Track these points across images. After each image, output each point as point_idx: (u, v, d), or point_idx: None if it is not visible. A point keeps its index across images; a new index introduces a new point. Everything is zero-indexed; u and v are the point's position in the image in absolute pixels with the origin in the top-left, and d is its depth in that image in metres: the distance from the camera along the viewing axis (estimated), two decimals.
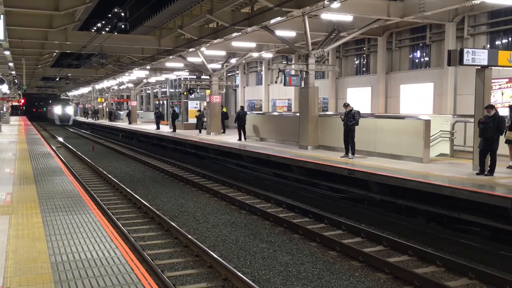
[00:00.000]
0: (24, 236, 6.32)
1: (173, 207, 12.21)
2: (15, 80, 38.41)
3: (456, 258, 7.89)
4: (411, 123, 13.46)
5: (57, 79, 51.50)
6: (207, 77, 27.10)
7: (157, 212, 10.94)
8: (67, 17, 17.64)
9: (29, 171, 12.37)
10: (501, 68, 12.57)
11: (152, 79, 40.11)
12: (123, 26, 28.80)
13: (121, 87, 46.51)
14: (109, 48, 25.83)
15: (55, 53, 32.67)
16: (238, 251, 8.58)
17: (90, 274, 5.01)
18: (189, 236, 8.84)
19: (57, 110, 60.24)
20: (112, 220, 10.06)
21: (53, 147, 23.66)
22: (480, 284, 7.00)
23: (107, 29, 25.31)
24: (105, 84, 47.88)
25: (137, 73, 35.56)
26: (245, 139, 21.19)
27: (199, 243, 8.43)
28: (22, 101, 53.79)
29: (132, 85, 42.57)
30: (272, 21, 16.41)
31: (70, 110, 61.39)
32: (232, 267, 7.20)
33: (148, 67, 32.15)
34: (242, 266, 7.77)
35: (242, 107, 24.43)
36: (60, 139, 35.14)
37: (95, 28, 29.65)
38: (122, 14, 26.88)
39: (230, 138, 21.99)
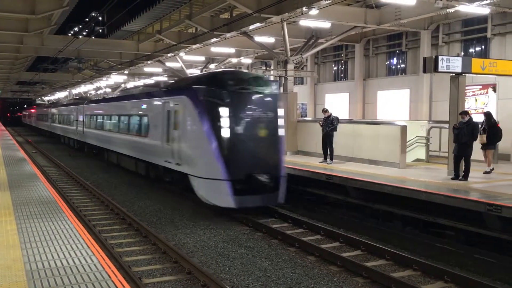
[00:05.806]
0: None
1: (151, 213, 12.09)
2: None
3: (432, 262, 8.01)
4: (388, 128, 13.66)
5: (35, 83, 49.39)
6: None
7: (135, 218, 10.83)
8: (43, 21, 17.42)
9: (3, 177, 12.12)
10: (475, 75, 12.87)
11: (130, 84, 39.75)
12: (100, 30, 28.45)
13: (98, 92, 46.00)
14: (86, 52, 25.55)
15: (30, 57, 32.18)
16: (217, 256, 8.55)
17: (66, 281, 4.94)
18: (167, 243, 8.78)
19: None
20: (89, 227, 9.92)
21: (28, 153, 23.23)
22: (455, 287, 7.12)
23: (84, 33, 24.97)
24: (82, 88, 47.29)
25: (115, 78, 35.23)
26: None
27: (177, 249, 8.39)
28: None
29: (109, 90, 42.13)
30: (251, 27, 16.50)
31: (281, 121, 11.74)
32: (210, 273, 7.18)
33: (126, 72, 31.89)
34: (221, 272, 7.75)
35: None
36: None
37: (72, 32, 29.21)
38: (100, 18, 26.55)
39: None
